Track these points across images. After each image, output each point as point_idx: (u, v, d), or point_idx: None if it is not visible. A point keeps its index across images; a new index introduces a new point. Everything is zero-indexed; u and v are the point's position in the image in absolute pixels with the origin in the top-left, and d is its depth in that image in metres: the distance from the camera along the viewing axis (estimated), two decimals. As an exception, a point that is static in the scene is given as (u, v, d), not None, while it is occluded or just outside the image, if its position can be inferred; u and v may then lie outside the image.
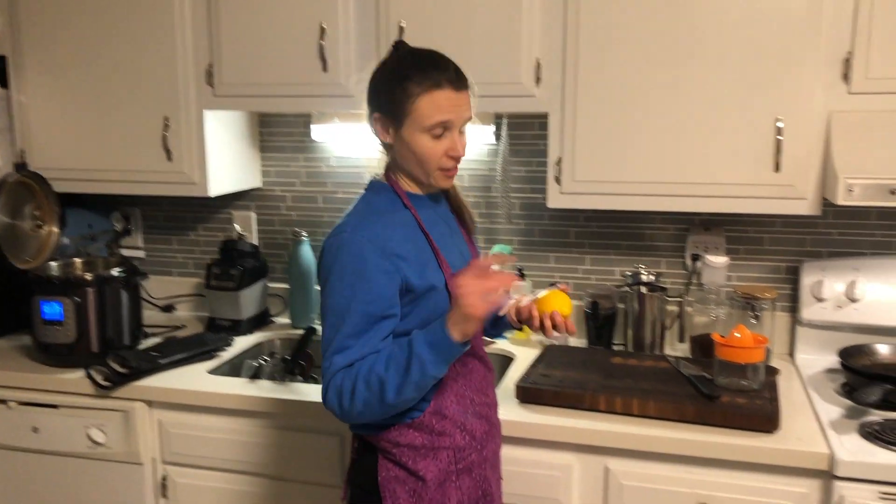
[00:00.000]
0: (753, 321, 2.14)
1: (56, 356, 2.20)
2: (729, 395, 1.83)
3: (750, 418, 1.74)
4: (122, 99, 2.33)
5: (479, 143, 2.42)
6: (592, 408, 1.85)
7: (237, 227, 2.61)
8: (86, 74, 2.34)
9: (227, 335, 2.39)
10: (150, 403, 2.09)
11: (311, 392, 2.00)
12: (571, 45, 1.99)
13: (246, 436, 2.03)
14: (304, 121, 2.56)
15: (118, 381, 2.06)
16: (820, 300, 2.13)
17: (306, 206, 2.62)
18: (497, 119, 2.38)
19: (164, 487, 2.13)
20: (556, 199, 2.09)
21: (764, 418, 1.73)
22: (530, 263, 2.45)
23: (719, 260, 2.24)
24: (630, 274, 2.29)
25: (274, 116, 2.60)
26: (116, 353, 2.14)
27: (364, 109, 1.55)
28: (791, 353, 2.25)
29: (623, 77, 1.98)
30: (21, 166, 2.43)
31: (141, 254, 2.78)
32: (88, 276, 2.22)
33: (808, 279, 2.17)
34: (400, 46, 1.53)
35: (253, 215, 2.67)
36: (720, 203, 1.98)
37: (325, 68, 2.16)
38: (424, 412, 1.52)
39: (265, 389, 2.03)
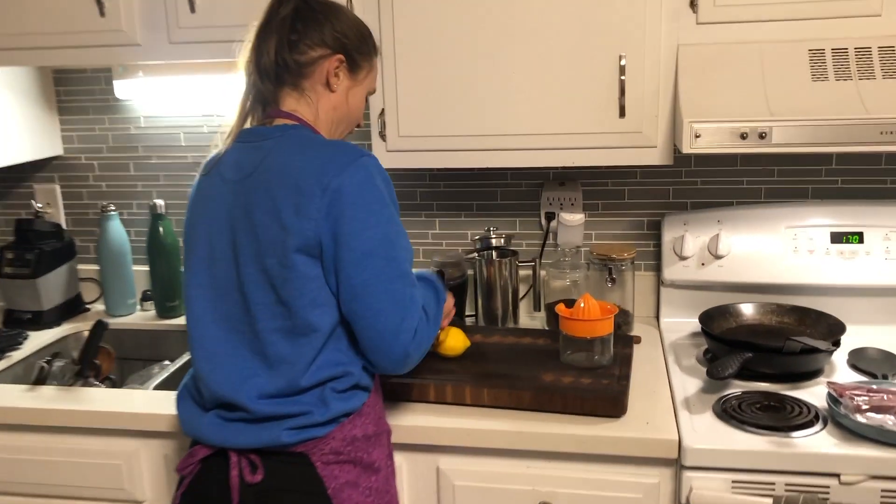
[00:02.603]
0: (610, 284, 1.93)
1: None
2: (573, 375, 1.61)
3: (593, 403, 1.52)
4: None
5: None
6: (421, 399, 1.61)
7: (36, 203, 2.25)
8: None
9: (21, 331, 2.06)
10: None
11: (107, 399, 1.70)
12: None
13: (29, 453, 1.72)
14: (106, 77, 2.20)
15: None
16: (682, 258, 1.93)
17: (117, 175, 2.28)
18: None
19: (-60, 517, 1.81)
20: (383, 158, 1.81)
21: (608, 402, 1.52)
22: (373, 230, 2.17)
23: (574, 217, 2.01)
24: (478, 238, 2.04)
25: (69, 73, 2.23)
26: None
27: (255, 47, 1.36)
28: (657, 317, 2.05)
29: (447, 16, 1.69)
30: None
31: (-68, 237, 2.41)
32: None
33: (668, 235, 1.96)
34: None
35: (57, 188, 2.32)
36: (563, 156, 1.73)
37: (102, 13, 1.81)
38: (370, 394, 1.40)
39: (46, 398, 1.72)
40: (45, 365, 1.80)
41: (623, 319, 1.96)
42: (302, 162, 1.28)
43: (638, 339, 1.89)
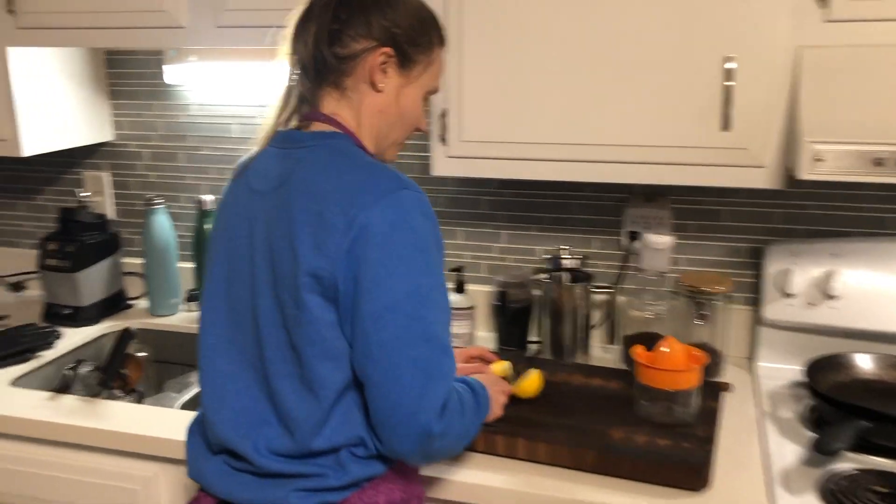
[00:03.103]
0: (699, 322, 1.66)
1: None
2: (648, 433, 1.37)
3: (670, 471, 1.27)
4: None
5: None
6: (468, 448, 1.39)
7: (80, 192, 2.12)
8: None
9: (54, 329, 1.94)
10: (-70, 424, 1.66)
11: (127, 417, 1.55)
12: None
13: (43, 467, 1.59)
14: (157, 60, 2.06)
15: None
16: (787, 295, 1.64)
17: (166, 166, 2.14)
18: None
19: (-43, 525, 1.71)
20: (442, 164, 1.60)
21: (688, 472, 1.27)
22: (433, 239, 1.96)
23: (661, 240, 1.75)
24: (548, 257, 1.80)
25: (121, 55, 2.10)
26: None
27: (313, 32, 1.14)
28: (751, 358, 1.77)
29: (525, 5, 1.46)
30: None
31: (-23, 221, 2.33)
32: None
33: (772, 267, 1.68)
34: None
35: (106, 176, 2.19)
36: (652, 172, 1.48)
37: (145, -9, 1.65)
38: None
39: (64, 411, 1.58)
40: (68, 372, 1.67)
41: (712, 360, 1.68)
42: (329, 185, 1.08)
43: (727, 386, 1.62)
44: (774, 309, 1.66)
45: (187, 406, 1.66)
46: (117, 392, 1.67)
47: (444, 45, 1.26)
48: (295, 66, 1.18)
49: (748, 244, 1.77)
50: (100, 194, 2.19)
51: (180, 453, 1.47)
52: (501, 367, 1.49)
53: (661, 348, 1.41)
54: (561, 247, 1.82)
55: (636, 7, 1.41)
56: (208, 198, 1.99)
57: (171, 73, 2.02)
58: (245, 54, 1.94)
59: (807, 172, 1.25)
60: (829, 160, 1.23)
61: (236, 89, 2.02)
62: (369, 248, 1.03)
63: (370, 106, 1.18)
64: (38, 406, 1.60)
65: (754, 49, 1.37)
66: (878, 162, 1.21)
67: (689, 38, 1.40)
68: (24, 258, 2.29)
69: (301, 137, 1.17)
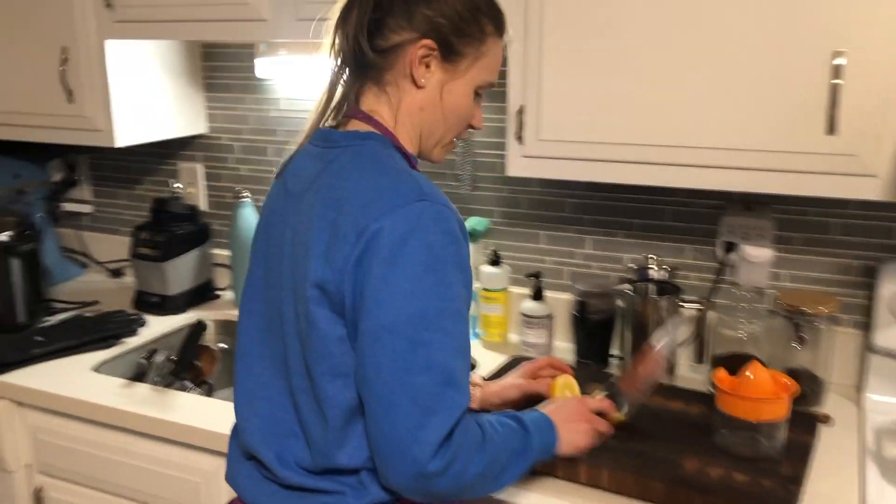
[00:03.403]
0: (797, 346, 1.50)
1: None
2: (725, 465, 1.24)
3: (746, 512, 1.15)
4: (14, 26, 1.92)
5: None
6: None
7: (174, 183, 2.17)
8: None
9: (140, 316, 1.98)
10: (19, 403, 1.72)
11: (192, 410, 1.56)
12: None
13: (118, 454, 1.62)
14: (249, 54, 2.07)
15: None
16: (902, 320, 1.47)
17: (255, 160, 2.15)
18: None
19: (38, 500, 1.77)
20: (518, 164, 1.51)
21: (767, 514, 1.14)
22: (514, 242, 1.88)
23: (759, 253, 1.61)
24: (635, 267, 1.69)
25: (216, 47, 2.12)
26: (-7, 335, 1.79)
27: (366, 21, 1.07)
28: (860, 389, 1.59)
29: (607, -10, 1.36)
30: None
31: (88, 209, 2.42)
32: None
33: (886, 288, 1.50)
34: None
35: (200, 168, 2.23)
36: (748, 178, 1.34)
37: (227, -16, 1.65)
38: None
39: (136, 400, 1.60)
40: (143, 361, 1.69)
41: (811, 388, 1.53)
42: (347, 191, 1.01)
43: (827, 419, 1.46)
44: (888, 336, 1.48)
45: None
46: (188, 383, 1.68)
47: (503, 34, 1.15)
48: (337, 59, 1.11)
49: (861, 261, 1.60)
50: (194, 186, 2.24)
51: (239, 449, 1.46)
52: (564, 381, 1.39)
53: (746, 373, 1.28)
54: (649, 255, 1.70)
55: (733, -4, 1.28)
56: (292, 192, 1.99)
57: (262, 67, 2.03)
58: (331, 48, 1.91)
59: (920, 184, 1.09)
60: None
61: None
62: (375, 262, 0.96)
63: (409, 103, 1.10)
64: (111, 392, 1.64)
65: (867, 42, 1.21)
66: None
67: (791, 30, 1.25)
68: (124, 246, 2.36)
69: (336, 137, 1.10)
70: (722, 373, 1.32)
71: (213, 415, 1.53)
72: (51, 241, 2.34)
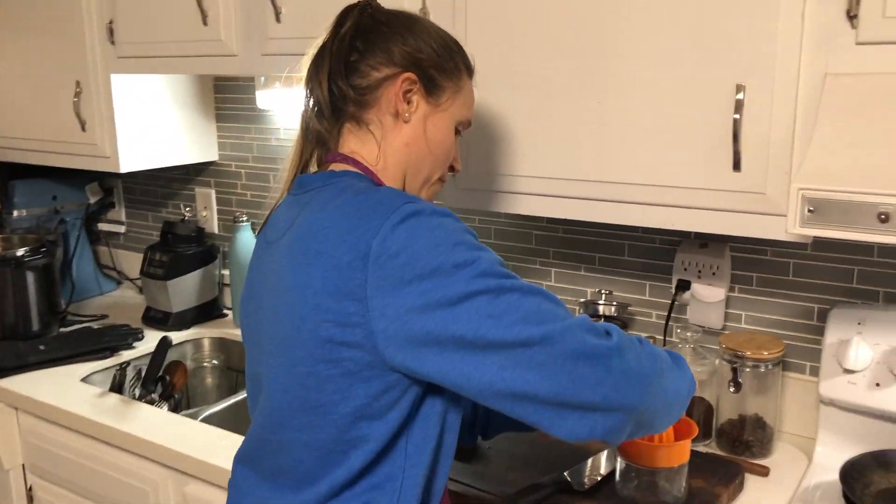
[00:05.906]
0: (732, 389, 1.43)
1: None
2: (615, 515, 1.20)
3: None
4: (33, 60, 2.11)
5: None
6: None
7: (185, 207, 2.31)
8: None
9: (138, 331, 2.11)
10: (14, 406, 1.87)
11: (150, 419, 1.65)
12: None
13: (90, 460, 1.73)
14: (252, 86, 2.17)
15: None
16: (847, 371, 1.37)
17: (259, 186, 2.26)
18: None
19: (30, 499, 1.91)
20: (453, 195, 1.53)
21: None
22: (484, 273, 1.88)
23: (711, 292, 1.54)
24: (583, 301, 1.65)
25: (225, 80, 2.25)
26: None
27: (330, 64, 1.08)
28: (817, 440, 1.49)
29: (531, 30, 1.36)
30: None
31: (122, 228, 2.60)
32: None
33: (832, 335, 1.40)
34: None
35: (213, 193, 2.36)
36: (665, 214, 1.30)
37: (204, 21, 1.75)
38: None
39: (100, 409, 1.71)
40: (117, 373, 1.81)
41: (757, 437, 1.45)
42: (327, 221, 0.97)
43: (764, 471, 1.38)
44: (832, 386, 1.39)
45: (209, 420, 1.72)
46: (154, 397, 1.78)
47: (472, 75, 1.17)
48: (314, 109, 1.10)
49: (820, 304, 1.50)
50: (208, 209, 2.36)
51: (180, 463, 1.54)
52: None
53: (644, 417, 1.23)
54: (602, 290, 1.66)
55: (647, 29, 1.25)
56: (285, 218, 2.07)
57: (262, 99, 2.13)
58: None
59: (793, 225, 1.03)
60: (820, 211, 1.01)
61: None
62: (396, 272, 0.90)
63: (395, 139, 1.08)
64: (85, 402, 1.75)
65: (771, 75, 1.16)
66: (884, 217, 0.97)
67: (700, 62, 1.21)
68: (151, 264, 2.53)
69: (310, 180, 1.08)
70: (624, 415, 1.28)
71: (159, 427, 1.62)
72: (87, 258, 2.53)
